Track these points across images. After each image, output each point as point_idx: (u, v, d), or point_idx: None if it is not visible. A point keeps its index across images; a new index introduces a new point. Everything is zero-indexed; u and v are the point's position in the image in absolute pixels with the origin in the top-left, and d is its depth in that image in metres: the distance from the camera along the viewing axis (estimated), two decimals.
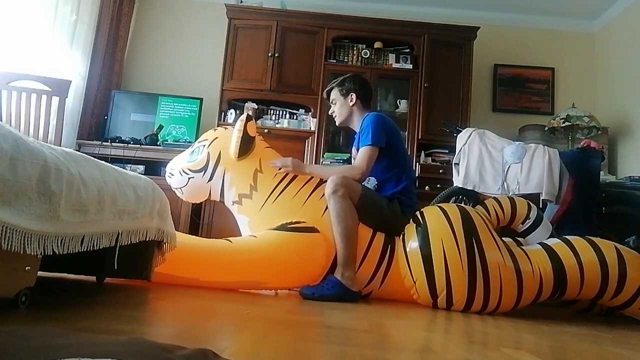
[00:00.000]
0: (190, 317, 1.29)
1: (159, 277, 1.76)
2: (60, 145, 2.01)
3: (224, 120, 3.77)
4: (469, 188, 2.72)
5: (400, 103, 3.92)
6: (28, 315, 1.01)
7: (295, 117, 3.91)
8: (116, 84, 4.03)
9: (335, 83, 2.44)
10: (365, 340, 1.14)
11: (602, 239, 1.97)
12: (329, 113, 2.52)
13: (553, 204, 2.59)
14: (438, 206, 2.09)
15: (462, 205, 2.16)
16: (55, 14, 3.25)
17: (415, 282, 1.94)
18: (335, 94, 2.42)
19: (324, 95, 2.52)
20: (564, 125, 3.62)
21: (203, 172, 2.22)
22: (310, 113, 3.86)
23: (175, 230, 1.77)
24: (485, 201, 2.27)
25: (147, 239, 1.48)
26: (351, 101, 2.38)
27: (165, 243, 1.68)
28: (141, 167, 3.38)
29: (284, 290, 2.08)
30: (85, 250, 1.10)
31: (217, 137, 2.29)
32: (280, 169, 2.20)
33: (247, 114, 2.28)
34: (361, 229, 2.04)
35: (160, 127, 3.74)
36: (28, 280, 1.03)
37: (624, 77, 4.03)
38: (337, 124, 2.49)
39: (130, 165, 3.38)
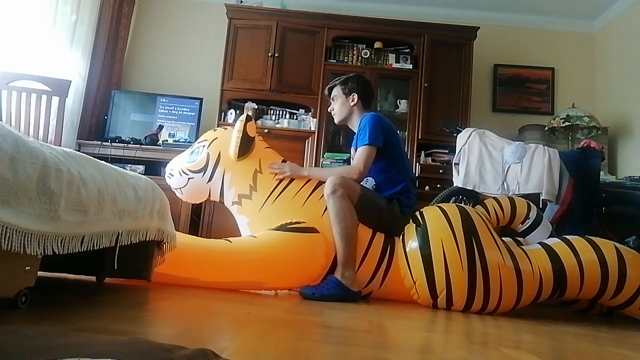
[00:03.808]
0: (190, 317, 1.29)
1: (159, 277, 1.76)
2: (60, 145, 2.01)
3: (224, 120, 3.77)
4: (469, 188, 2.72)
5: (400, 103, 3.92)
6: (28, 315, 1.01)
7: (295, 117, 3.91)
8: (116, 84, 4.03)
9: (339, 81, 2.43)
10: (365, 340, 1.14)
11: (602, 239, 1.97)
12: (329, 110, 2.53)
13: (553, 204, 2.59)
14: (438, 206, 2.09)
15: (462, 205, 2.16)
16: (55, 14, 3.25)
17: (415, 282, 1.94)
18: (337, 92, 2.42)
19: (326, 91, 2.51)
20: (564, 125, 3.62)
21: (203, 173, 2.22)
22: (310, 113, 3.86)
23: (175, 230, 1.77)
24: (485, 201, 2.27)
25: (147, 239, 1.48)
26: (352, 101, 2.38)
27: (165, 243, 1.68)
28: (141, 167, 3.39)
29: (284, 290, 2.08)
30: (85, 250, 1.10)
31: (216, 138, 2.29)
32: (275, 176, 2.19)
33: (247, 114, 2.28)
34: (361, 229, 2.04)
35: (161, 127, 3.74)
36: (28, 280, 1.03)
37: (623, 77, 4.03)
38: (335, 122, 2.49)
39: (130, 165, 3.38)
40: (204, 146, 2.27)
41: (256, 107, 3.82)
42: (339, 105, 2.41)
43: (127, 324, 1.05)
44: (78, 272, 1.71)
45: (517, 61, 4.43)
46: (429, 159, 3.78)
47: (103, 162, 1.26)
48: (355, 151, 2.30)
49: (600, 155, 2.74)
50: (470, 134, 2.83)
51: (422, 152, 3.78)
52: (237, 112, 3.77)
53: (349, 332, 1.22)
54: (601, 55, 4.38)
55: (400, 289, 2.01)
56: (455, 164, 2.82)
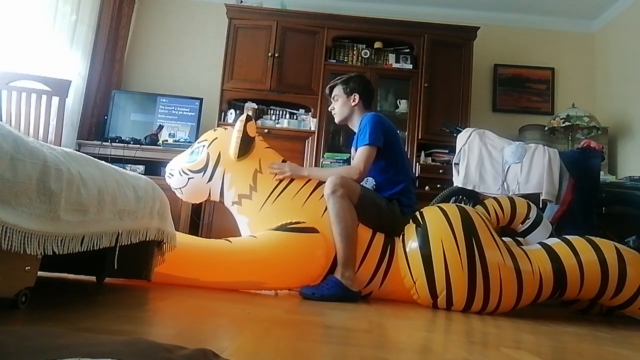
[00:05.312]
0: (190, 317, 1.29)
1: (159, 277, 1.76)
2: (60, 145, 2.01)
3: (224, 120, 3.77)
4: (469, 188, 2.72)
5: (400, 103, 3.92)
6: (28, 315, 1.01)
7: (295, 117, 3.91)
8: (116, 84, 4.03)
9: (340, 80, 2.42)
10: (365, 340, 1.14)
11: (602, 239, 1.97)
12: (329, 109, 2.51)
13: (553, 204, 2.59)
14: (438, 206, 2.09)
15: (462, 205, 2.16)
16: (55, 14, 3.25)
17: (415, 283, 1.94)
18: (338, 91, 2.40)
19: (326, 90, 2.50)
20: (564, 125, 3.62)
21: (203, 173, 2.22)
22: (310, 113, 3.86)
23: (175, 230, 1.77)
24: (485, 201, 2.27)
25: (147, 239, 1.48)
26: (353, 101, 2.37)
27: (165, 243, 1.68)
28: (141, 167, 3.39)
29: (284, 290, 2.08)
30: (85, 250, 1.10)
31: (216, 138, 2.29)
32: (275, 176, 2.19)
33: (247, 114, 2.28)
34: (361, 229, 2.04)
35: (161, 127, 3.74)
36: (28, 280, 1.03)
37: (623, 77, 4.03)
38: (336, 121, 2.48)
39: (130, 165, 3.38)
40: (204, 146, 2.27)
41: (256, 107, 3.82)
42: (340, 104, 2.40)
43: (127, 324, 1.05)
44: (78, 272, 1.71)
45: (517, 61, 4.43)
46: (429, 159, 3.78)
47: (103, 162, 1.26)
48: (356, 151, 2.30)
49: (600, 155, 2.74)
50: (470, 134, 2.83)
51: (422, 152, 3.78)
52: (237, 112, 3.77)
53: (349, 332, 1.22)
54: (601, 55, 4.38)
55: (400, 289, 2.01)
56: (455, 164, 2.82)
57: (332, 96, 2.44)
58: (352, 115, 2.39)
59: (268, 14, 3.94)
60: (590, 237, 1.98)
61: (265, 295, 1.93)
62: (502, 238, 2.02)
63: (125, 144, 3.52)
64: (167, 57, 4.36)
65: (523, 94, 4.40)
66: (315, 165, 3.65)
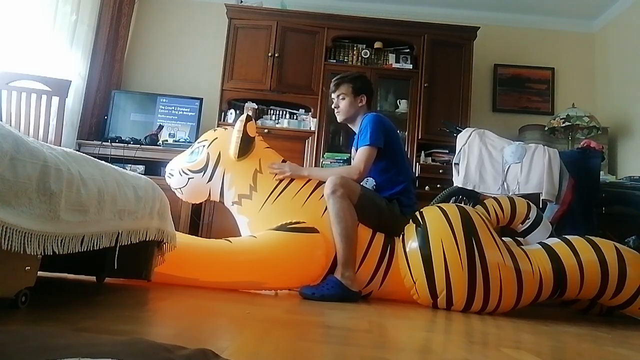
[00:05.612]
0: (190, 317, 1.29)
1: (159, 277, 1.76)
2: (60, 145, 2.01)
3: (224, 120, 3.77)
4: (469, 188, 2.72)
5: (400, 103, 3.92)
6: (28, 315, 1.01)
7: (295, 117, 3.91)
8: (116, 84, 4.03)
9: (347, 78, 2.36)
10: (365, 340, 1.14)
11: (602, 239, 1.97)
12: (332, 107, 2.45)
13: (553, 204, 2.59)
14: (438, 206, 2.09)
15: (462, 205, 2.16)
16: (55, 14, 3.25)
17: (415, 283, 1.94)
18: (345, 90, 2.34)
19: (332, 86, 2.41)
20: (564, 125, 3.62)
21: (203, 173, 2.22)
22: (310, 113, 3.86)
23: (175, 230, 1.77)
24: (485, 201, 2.27)
25: (147, 239, 1.48)
26: (360, 102, 2.35)
27: (165, 243, 1.68)
28: (141, 167, 3.39)
29: (284, 290, 2.08)
30: (85, 250, 1.10)
31: (216, 138, 2.29)
32: (275, 176, 2.19)
33: (247, 114, 2.28)
34: (361, 229, 2.04)
35: (161, 127, 3.74)
36: (28, 280, 1.03)
37: (623, 77, 4.03)
38: (339, 120, 2.43)
39: (130, 165, 3.38)
40: (204, 146, 2.27)
41: (256, 107, 3.82)
42: (347, 104, 2.34)
43: (127, 324, 1.05)
44: (78, 272, 1.71)
45: (517, 61, 4.43)
46: (429, 159, 3.78)
47: (103, 162, 1.26)
48: (356, 151, 2.30)
49: (600, 155, 2.74)
50: (470, 134, 2.83)
51: (422, 152, 3.78)
52: (237, 112, 3.78)
53: (349, 332, 1.22)
54: (601, 55, 4.38)
55: (400, 289, 2.01)
56: (455, 164, 2.82)
57: (337, 94, 2.37)
58: (356, 116, 2.36)
59: (268, 14, 3.94)
60: (590, 237, 1.98)
61: (265, 295, 1.93)
62: (502, 238, 2.02)
63: (125, 144, 3.53)
64: (167, 57, 4.36)
65: (523, 94, 4.40)
66: (315, 165, 3.65)
